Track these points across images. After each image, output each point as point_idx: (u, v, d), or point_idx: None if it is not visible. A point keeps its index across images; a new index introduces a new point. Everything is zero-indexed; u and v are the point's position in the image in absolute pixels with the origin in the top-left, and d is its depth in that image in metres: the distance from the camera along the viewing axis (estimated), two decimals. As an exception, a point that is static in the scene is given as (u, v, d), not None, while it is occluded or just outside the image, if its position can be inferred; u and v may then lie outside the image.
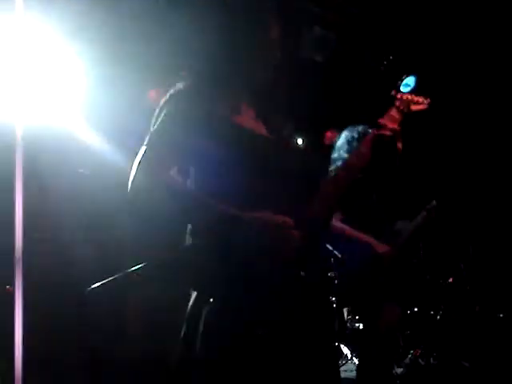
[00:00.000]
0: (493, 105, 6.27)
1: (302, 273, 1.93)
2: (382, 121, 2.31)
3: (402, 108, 2.41)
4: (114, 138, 4.44)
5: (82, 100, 4.37)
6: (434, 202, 3.82)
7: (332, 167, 3.53)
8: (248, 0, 2.14)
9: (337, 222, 3.41)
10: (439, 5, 4.99)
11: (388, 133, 2.24)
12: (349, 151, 3.50)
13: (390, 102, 2.45)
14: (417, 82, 5.81)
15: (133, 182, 1.90)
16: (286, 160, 2.05)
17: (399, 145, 2.24)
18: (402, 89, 5.90)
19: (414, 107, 2.48)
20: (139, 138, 2.02)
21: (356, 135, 3.56)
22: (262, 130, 2.11)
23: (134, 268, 3.17)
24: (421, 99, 2.52)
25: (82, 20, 4.33)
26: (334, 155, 3.62)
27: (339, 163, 3.48)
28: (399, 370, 5.30)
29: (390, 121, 2.31)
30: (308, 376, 1.91)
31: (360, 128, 3.60)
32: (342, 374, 5.01)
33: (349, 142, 3.57)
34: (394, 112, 2.39)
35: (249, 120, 2.09)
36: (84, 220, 4.61)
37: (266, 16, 2.15)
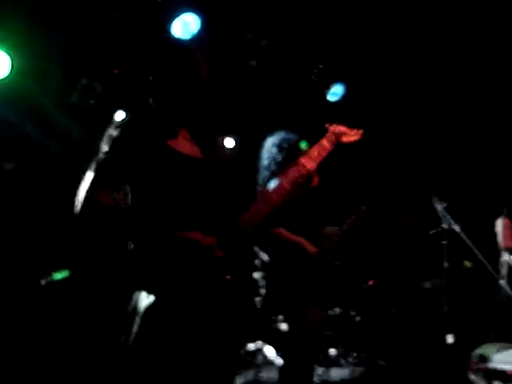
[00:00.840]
0: (415, 113, 6.54)
1: (227, 276, 2.15)
2: (302, 159, 2.47)
3: (333, 138, 2.57)
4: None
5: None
6: (363, 207, 3.93)
7: (259, 175, 3.58)
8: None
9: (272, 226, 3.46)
10: (368, 13, 5.14)
11: (305, 174, 2.41)
12: (268, 159, 3.57)
13: (322, 132, 2.59)
14: (345, 91, 6.04)
15: (80, 201, 2.05)
16: (216, 180, 2.25)
17: (316, 180, 2.40)
18: (330, 97, 6.12)
19: (345, 139, 2.62)
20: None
21: (277, 141, 3.61)
22: (195, 152, 2.27)
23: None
24: (354, 131, 2.66)
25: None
26: (259, 163, 3.66)
27: (262, 172, 3.57)
28: (320, 370, 5.44)
29: (310, 160, 2.46)
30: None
31: (281, 134, 3.65)
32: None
33: (269, 149, 3.62)
34: (325, 142, 2.54)
35: (184, 143, 2.25)
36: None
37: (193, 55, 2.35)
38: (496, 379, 4.24)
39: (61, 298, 4.05)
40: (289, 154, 3.48)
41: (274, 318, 5.42)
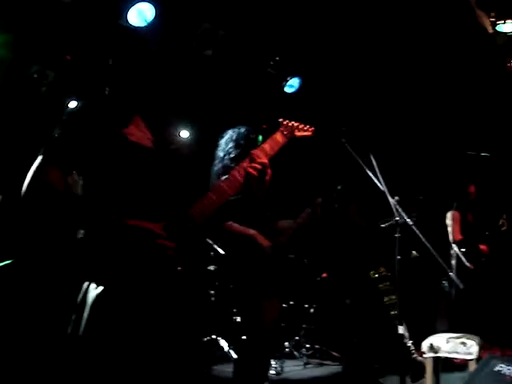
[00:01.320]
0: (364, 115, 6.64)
1: (178, 268, 2.14)
2: (254, 152, 2.48)
3: (286, 133, 2.62)
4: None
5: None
6: (320, 199, 3.94)
7: (215, 166, 3.57)
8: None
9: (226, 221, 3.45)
10: (324, 6, 5.18)
11: (258, 167, 2.42)
12: (223, 150, 3.57)
13: (275, 126, 2.62)
14: (301, 84, 6.07)
15: (27, 183, 2.02)
16: (166, 169, 2.24)
17: (268, 173, 2.43)
18: (287, 89, 6.14)
19: (298, 133, 2.70)
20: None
21: (234, 136, 3.61)
22: (146, 141, 2.24)
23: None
24: (306, 126, 2.74)
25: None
26: (218, 153, 3.64)
27: (215, 162, 3.56)
28: (275, 362, 5.46)
29: (262, 153, 2.48)
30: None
31: (241, 130, 3.64)
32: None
33: (226, 142, 3.61)
34: (278, 136, 2.59)
35: (136, 132, 2.22)
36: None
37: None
38: (444, 368, 4.36)
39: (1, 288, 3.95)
40: (245, 150, 3.47)
41: (228, 310, 5.42)
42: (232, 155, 3.49)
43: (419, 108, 6.76)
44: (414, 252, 5.81)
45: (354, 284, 5.93)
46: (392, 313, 5.17)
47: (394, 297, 5.49)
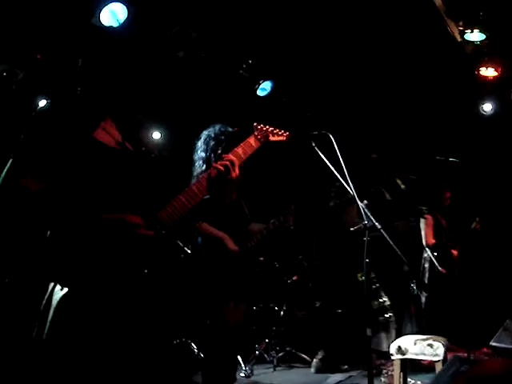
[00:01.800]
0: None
1: (145, 270, 2.15)
2: (226, 156, 2.49)
3: (260, 137, 2.63)
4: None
5: None
6: (293, 206, 3.97)
7: (194, 167, 3.56)
8: None
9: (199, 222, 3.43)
10: (297, 8, 5.21)
11: (224, 163, 2.42)
12: (205, 150, 3.56)
13: (249, 130, 2.63)
14: (273, 87, 6.09)
15: None
16: (137, 171, 2.25)
17: (237, 171, 2.43)
18: (259, 93, 6.16)
19: (272, 138, 2.70)
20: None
21: (212, 134, 3.61)
22: (115, 142, 2.25)
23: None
24: (281, 131, 2.74)
25: None
26: (194, 156, 3.64)
27: (198, 164, 3.55)
28: (245, 365, 5.46)
29: (235, 157, 2.48)
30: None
31: (217, 127, 3.65)
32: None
33: (206, 141, 3.61)
34: (251, 140, 2.60)
35: (104, 133, 2.22)
36: None
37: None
38: (411, 369, 4.42)
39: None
40: (227, 145, 3.46)
41: (197, 312, 5.40)
42: (219, 151, 3.48)
43: (391, 114, 6.85)
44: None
45: (326, 286, 5.99)
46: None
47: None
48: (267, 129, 2.67)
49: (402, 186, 5.73)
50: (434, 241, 5.99)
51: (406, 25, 5.41)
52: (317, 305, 6.36)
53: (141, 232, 2.06)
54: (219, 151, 3.48)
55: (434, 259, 5.86)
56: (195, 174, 3.52)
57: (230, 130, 3.60)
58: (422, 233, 6.08)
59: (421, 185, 6.01)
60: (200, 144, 3.62)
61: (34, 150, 2.07)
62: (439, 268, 5.81)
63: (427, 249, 5.99)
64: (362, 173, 5.17)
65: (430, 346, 3.79)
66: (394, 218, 5.76)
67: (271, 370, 5.74)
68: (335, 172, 2.82)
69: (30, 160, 2.05)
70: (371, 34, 5.56)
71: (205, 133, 3.65)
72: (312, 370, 5.58)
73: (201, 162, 3.54)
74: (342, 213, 5.92)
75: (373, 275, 5.43)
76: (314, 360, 5.61)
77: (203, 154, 3.56)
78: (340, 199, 5.88)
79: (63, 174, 2.08)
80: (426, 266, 6.00)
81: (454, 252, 6.04)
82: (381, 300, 5.60)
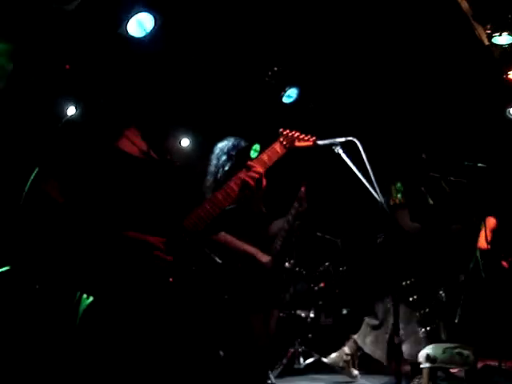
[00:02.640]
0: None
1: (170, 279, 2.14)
2: (252, 163, 2.43)
3: (285, 143, 2.55)
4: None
5: None
6: (302, 188, 3.86)
7: (207, 182, 3.57)
8: None
9: (223, 234, 3.42)
10: (324, 16, 5.21)
11: (255, 175, 2.38)
12: (215, 166, 3.56)
13: (275, 136, 2.57)
14: (299, 95, 6.10)
15: (26, 192, 2.05)
16: (161, 179, 2.26)
17: (264, 182, 2.40)
18: (285, 100, 6.16)
19: (299, 144, 2.61)
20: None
21: (225, 149, 3.60)
22: (141, 151, 2.26)
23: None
24: (307, 136, 2.65)
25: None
26: (208, 168, 3.64)
27: (207, 177, 3.56)
28: (275, 372, 5.44)
29: (260, 164, 2.44)
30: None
31: (230, 142, 3.64)
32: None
33: (218, 155, 3.61)
34: (277, 146, 2.53)
35: (129, 142, 2.24)
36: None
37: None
38: (440, 377, 4.36)
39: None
40: (237, 162, 3.47)
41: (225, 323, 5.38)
42: (226, 168, 3.49)
43: (418, 118, 6.79)
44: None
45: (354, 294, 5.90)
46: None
47: None
48: (293, 134, 2.60)
49: (431, 202, 5.61)
50: (487, 246, 5.39)
51: (433, 30, 5.37)
52: (344, 312, 6.32)
53: (160, 255, 2.07)
54: (226, 168, 3.49)
55: (480, 265, 5.57)
56: (206, 187, 3.53)
57: (243, 144, 3.59)
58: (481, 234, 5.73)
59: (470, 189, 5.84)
60: (212, 158, 3.64)
61: (60, 159, 2.10)
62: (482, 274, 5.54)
63: (477, 252, 5.69)
64: (412, 173, 5.05)
65: (460, 354, 3.74)
66: (435, 224, 5.59)
67: (298, 377, 5.71)
68: (362, 178, 2.77)
69: (56, 169, 2.08)
70: (400, 39, 5.53)
71: (218, 146, 3.66)
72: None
73: (210, 176, 3.55)
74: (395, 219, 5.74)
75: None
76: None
77: (212, 169, 3.58)
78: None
79: (87, 183, 2.11)
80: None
81: (505, 264, 5.70)
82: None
